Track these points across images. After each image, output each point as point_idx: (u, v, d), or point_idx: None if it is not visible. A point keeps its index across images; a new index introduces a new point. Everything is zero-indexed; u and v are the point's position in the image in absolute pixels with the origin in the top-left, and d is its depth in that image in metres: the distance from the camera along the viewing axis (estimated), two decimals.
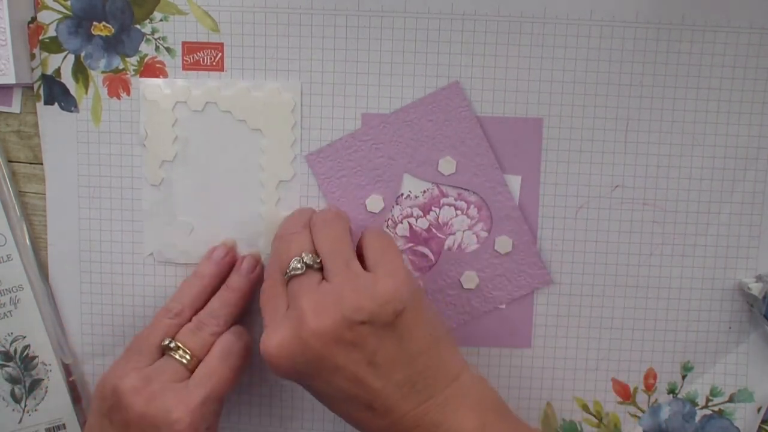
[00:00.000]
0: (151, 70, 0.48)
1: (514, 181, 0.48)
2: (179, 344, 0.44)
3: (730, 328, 0.49)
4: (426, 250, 0.48)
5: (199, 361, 0.44)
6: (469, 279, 0.48)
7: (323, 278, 0.40)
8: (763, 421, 0.49)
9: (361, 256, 0.42)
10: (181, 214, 0.49)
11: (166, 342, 0.44)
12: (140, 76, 0.48)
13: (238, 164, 0.48)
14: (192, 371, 0.44)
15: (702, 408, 0.50)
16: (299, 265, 0.40)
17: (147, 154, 0.48)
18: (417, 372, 0.39)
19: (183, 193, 0.49)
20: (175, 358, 0.44)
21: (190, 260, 0.49)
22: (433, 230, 0.48)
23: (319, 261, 0.41)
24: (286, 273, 0.41)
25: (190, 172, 0.48)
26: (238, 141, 0.48)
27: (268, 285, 0.42)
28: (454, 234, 0.48)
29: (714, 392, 0.49)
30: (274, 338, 0.39)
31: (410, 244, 0.48)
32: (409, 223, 0.48)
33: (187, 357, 0.44)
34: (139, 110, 0.48)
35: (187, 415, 0.41)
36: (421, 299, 0.41)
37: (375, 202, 0.48)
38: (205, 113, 0.48)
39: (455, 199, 0.48)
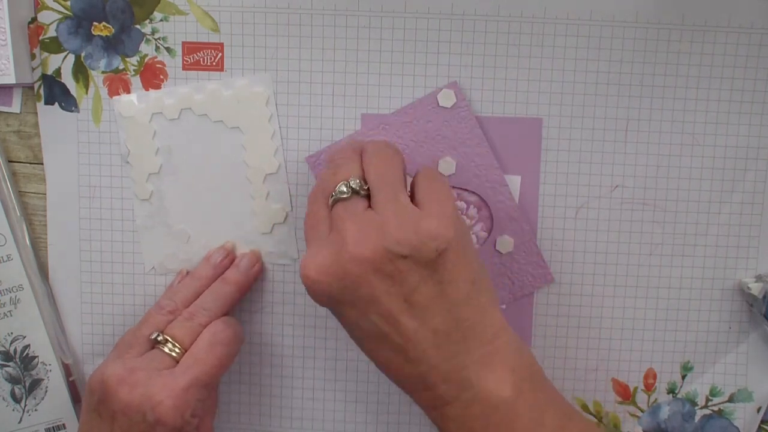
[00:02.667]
0: (151, 70, 0.48)
1: (514, 182, 0.48)
2: (168, 337, 0.44)
3: (730, 328, 0.49)
4: None
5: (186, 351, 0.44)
6: None
7: (369, 206, 0.39)
8: (763, 421, 0.49)
9: (412, 195, 0.41)
10: (175, 224, 0.49)
11: (155, 335, 0.44)
12: (140, 76, 0.48)
13: (223, 164, 0.48)
14: (179, 360, 0.44)
15: (702, 408, 0.50)
16: (345, 189, 0.39)
17: (132, 170, 0.49)
18: (455, 321, 0.38)
19: (174, 203, 0.49)
20: (164, 351, 0.44)
21: (192, 268, 0.49)
22: None
23: (366, 188, 0.39)
24: (332, 196, 0.39)
25: (177, 180, 0.49)
26: (219, 142, 0.48)
27: (312, 209, 0.40)
28: None
29: (714, 392, 0.49)
30: (314, 260, 0.38)
31: None
32: None
33: (177, 350, 0.44)
34: (117, 130, 0.48)
35: (170, 399, 0.41)
36: (468, 244, 0.39)
37: None
38: (182, 120, 0.48)
39: (455, 200, 0.48)
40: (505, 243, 0.48)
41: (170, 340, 0.44)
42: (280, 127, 0.48)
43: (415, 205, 0.39)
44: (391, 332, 0.38)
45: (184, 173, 0.49)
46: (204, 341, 0.44)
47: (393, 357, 0.39)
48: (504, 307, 0.49)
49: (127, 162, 0.49)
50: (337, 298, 0.38)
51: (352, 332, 0.40)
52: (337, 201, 0.39)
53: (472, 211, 0.48)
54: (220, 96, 0.48)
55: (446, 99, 0.47)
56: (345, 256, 0.37)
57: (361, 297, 0.37)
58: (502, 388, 0.37)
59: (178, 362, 0.44)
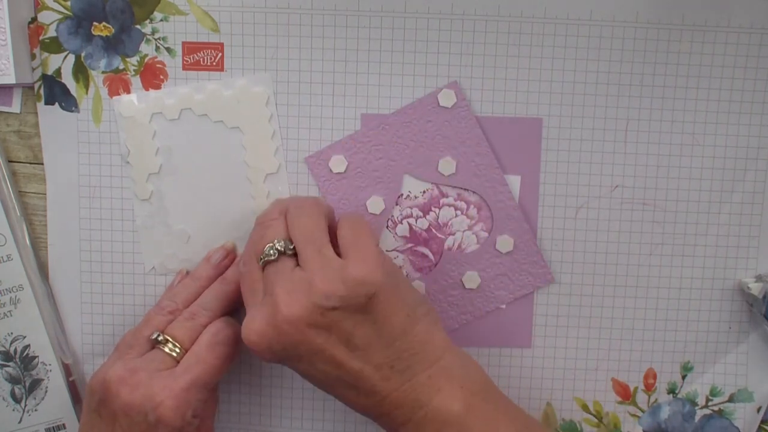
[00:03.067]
0: (151, 70, 0.48)
1: (514, 182, 0.48)
2: (168, 337, 0.44)
3: (730, 328, 0.49)
4: (426, 251, 0.48)
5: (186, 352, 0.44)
6: (471, 279, 0.48)
7: (297, 265, 0.40)
8: (763, 421, 0.49)
9: (334, 243, 0.42)
10: (175, 224, 0.49)
11: (155, 336, 0.44)
12: (140, 76, 0.48)
13: (223, 164, 0.48)
14: (179, 360, 0.44)
15: (702, 408, 0.50)
16: (272, 252, 0.41)
17: (132, 170, 0.49)
18: (395, 354, 0.40)
19: (174, 203, 0.49)
20: (165, 351, 0.44)
21: (192, 267, 0.49)
22: (433, 231, 0.48)
23: (292, 247, 0.41)
24: (261, 259, 0.41)
25: (177, 180, 0.49)
26: (219, 142, 0.48)
27: (247, 271, 0.42)
28: (453, 234, 0.48)
29: (714, 392, 0.49)
30: (252, 326, 0.39)
31: (410, 245, 0.48)
32: (408, 223, 0.48)
33: (177, 350, 0.44)
34: (117, 130, 0.48)
35: (171, 399, 0.41)
36: (397, 282, 0.41)
37: (376, 204, 0.48)
38: (182, 120, 0.48)
39: (455, 200, 0.48)
40: (505, 243, 0.48)
41: (171, 340, 0.44)
42: (279, 127, 0.48)
43: (339, 252, 0.41)
44: (341, 374, 0.40)
45: (184, 173, 0.49)
46: (204, 341, 0.44)
47: (348, 393, 0.41)
48: (504, 306, 0.49)
49: (127, 162, 0.49)
50: (281, 356, 0.40)
51: (308, 378, 0.41)
52: (266, 263, 0.41)
53: (472, 211, 0.48)
54: (220, 96, 0.48)
55: (446, 99, 0.47)
56: (279, 318, 0.38)
57: (304, 352, 0.39)
58: (451, 405, 0.39)
59: (178, 362, 0.44)
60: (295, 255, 0.41)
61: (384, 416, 0.40)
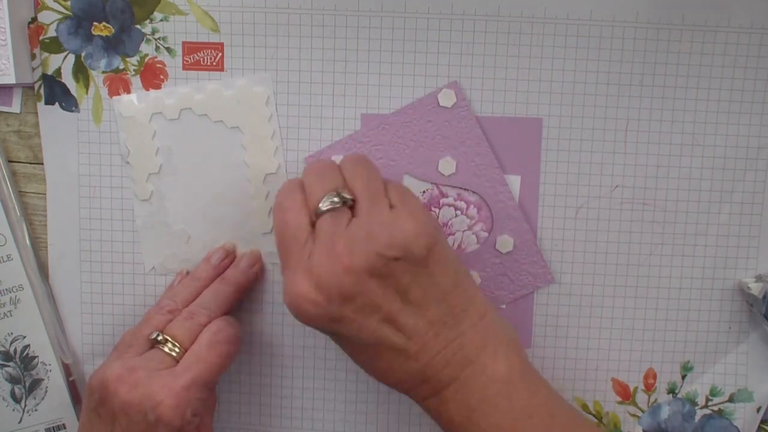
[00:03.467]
0: (151, 70, 0.48)
1: (514, 182, 0.48)
2: (167, 337, 0.44)
3: (730, 328, 0.49)
4: None
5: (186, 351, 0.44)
6: None
7: (353, 216, 0.40)
8: (763, 421, 0.49)
9: None
10: (175, 224, 0.49)
11: (155, 335, 0.44)
12: (140, 76, 0.48)
13: (223, 165, 0.48)
14: (179, 360, 0.44)
15: (702, 408, 0.50)
16: (337, 200, 0.39)
17: (132, 170, 0.49)
18: (448, 309, 0.39)
19: (174, 203, 0.49)
20: (164, 351, 0.44)
21: (192, 267, 0.49)
22: None
23: (351, 199, 0.40)
24: (318, 208, 0.40)
25: (177, 180, 0.49)
26: (219, 142, 0.48)
27: (294, 217, 0.40)
28: (453, 234, 0.48)
29: (714, 392, 0.49)
30: (307, 280, 0.38)
31: None
32: None
33: (176, 350, 0.44)
34: (117, 130, 0.48)
35: (171, 398, 0.41)
36: (444, 238, 0.41)
37: None
38: (182, 120, 0.48)
39: (455, 200, 0.48)
40: (506, 242, 0.48)
41: (170, 339, 0.44)
42: (279, 127, 0.48)
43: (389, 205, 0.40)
44: (390, 334, 0.39)
45: (184, 173, 0.49)
46: (204, 340, 0.44)
47: (393, 359, 0.40)
48: (504, 306, 0.49)
49: (127, 162, 0.49)
50: (333, 315, 0.38)
51: (349, 345, 0.41)
52: (324, 212, 0.39)
53: (472, 210, 0.48)
54: (220, 96, 0.48)
55: (447, 99, 0.47)
56: (340, 269, 0.37)
57: (360, 306, 0.38)
58: (497, 361, 0.39)
59: (178, 362, 0.43)
60: (351, 207, 0.40)
61: (426, 381, 0.40)
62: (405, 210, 0.39)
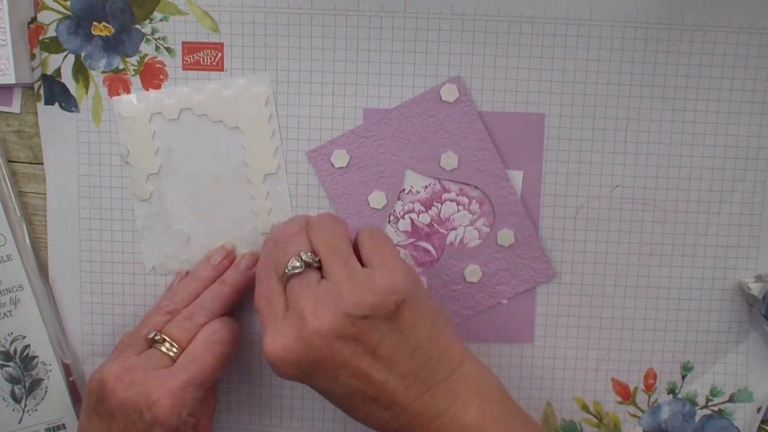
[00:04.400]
0: (151, 70, 0.48)
1: (516, 177, 0.48)
2: (165, 337, 0.44)
3: (730, 328, 0.49)
4: (428, 246, 0.48)
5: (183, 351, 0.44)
6: (473, 273, 0.48)
7: (321, 277, 0.40)
8: (763, 421, 0.49)
9: (356, 255, 0.42)
10: (175, 224, 0.49)
11: (152, 335, 0.44)
12: (140, 76, 0.48)
13: (223, 165, 0.48)
14: (175, 360, 0.44)
15: (702, 408, 0.50)
16: (299, 264, 0.40)
17: (132, 171, 0.49)
18: (420, 362, 0.40)
19: (174, 203, 0.49)
20: (162, 351, 0.44)
21: (192, 268, 0.49)
22: (435, 226, 0.48)
23: (317, 260, 0.41)
24: (284, 273, 0.41)
25: (177, 181, 0.49)
26: (219, 142, 0.48)
27: (265, 287, 0.42)
28: (456, 229, 0.48)
29: (714, 392, 0.49)
30: (278, 341, 0.39)
31: (412, 240, 0.48)
32: (410, 218, 0.48)
33: (174, 350, 0.44)
34: (117, 130, 0.48)
35: (167, 398, 0.41)
36: (421, 290, 0.41)
37: (378, 198, 0.48)
38: (181, 120, 0.48)
39: (457, 195, 0.48)
40: (507, 236, 0.48)
41: (168, 339, 0.44)
42: (279, 127, 0.48)
43: (362, 263, 0.40)
44: (364, 387, 0.39)
45: (183, 173, 0.49)
46: (201, 340, 0.44)
47: (369, 407, 0.40)
48: (505, 302, 0.49)
49: (127, 162, 0.49)
50: (306, 372, 0.39)
51: (326, 395, 0.41)
52: (291, 277, 0.40)
53: (474, 206, 0.48)
54: (220, 96, 0.48)
55: (449, 94, 0.47)
56: (308, 331, 0.38)
57: (330, 365, 0.39)
58: (469, 412, 0.40)
59: (175, 361, 0.44)
60: (319, 268, 0.41)
61: (402, 429, 0.40)
62: (376, 264, 0.40)
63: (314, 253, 0.41)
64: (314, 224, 0.43)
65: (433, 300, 0.42)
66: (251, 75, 0.48)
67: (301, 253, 0.41)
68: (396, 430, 0.40)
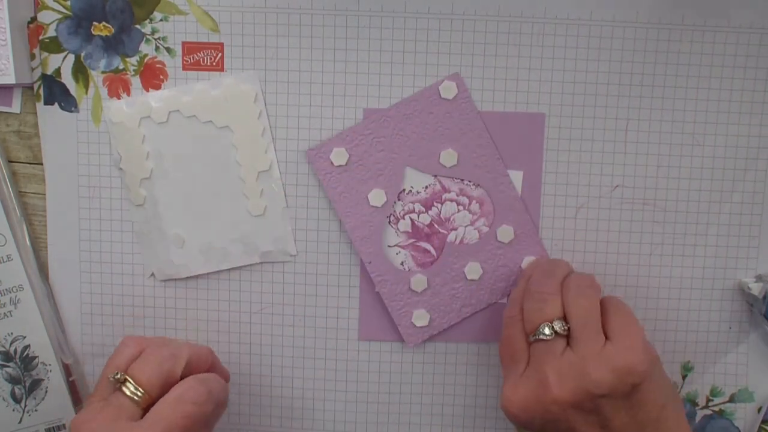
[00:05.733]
0: (151, 70, 0.48)
1: (516, 177, 0.48)
2: (128, 377, 0.41)
3: (730, 328, 0.49)
4: (428, 246, 0.48)
5: (152, 399, 0.41)
6: (473, 270, 0.48)
7: (567, 344, 0.41)
8: (764, 421, 0.49)
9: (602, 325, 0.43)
10: (170, 228, 0.49)
11: (116, 375, 0.41)
12: (140, 76, 0.48)
13: (215, 165, 0.48)
14: (145, 408, 0.41)
15: (702, 408, 0.50)
16: (549, 332, 0.41)
17: (125, 176, 0.48)
18: None
19: (168, 207, 0.49)
20: (126, 394, 0.41)
21: (190, 273, 0.49)
22: (435, 226, 0.48)
23: (566, 328, 0.41)
24: (534, 335, 0.41)
25: (170, 184, 0.48)
26: (210, 142, 0.48)
27: (510, 335, 0.43)
28: (456, 230, 0.48)
29: (714, 392, 0.49)
30: (515, 396, 0.41)
31: (412, 240, 0.48)
32: (410, 219, 0.48)
33: (139, 394, 0.41)
34: (108, 137, 0.48)
35: None
36: (659, 370, 0.42)
37: (377, 196, 0.48)
38: (171, 123, 0.48)
39: (457, 195, 0.48)
40: (506, 232, 0.48)
41: (131, 381, 0.41)
42: (276, 126, 0.48)
43: (606, 333, 0.41)
44: None
45: (176, 177, 0.48)
46: (170, 399, 0.41)
47: None
48: (505, 300, 0.49)
49: (120, 168, 0.48)
50: (535, 426, 0.42)
51: None
52: (538, 340, 0.41)
53: (475, 206, 0.48)
54: (208, 96, 0.47)
55: (448, 91, 0.47)
56: (547, 398, 0.40)
57: (561, 427, 0.41)
58: None
59: (139, 405, 0.41)
60: (566, 335, 0.41)
61: None
62: (621, 344, 0.40)
63: (565, 319, 0.41)
64: (572, 286, 0.43)
65: (668, 378, 0.43)
66: (240, 73, 0.47)
67: (554, 322, 0.41)
68: None
